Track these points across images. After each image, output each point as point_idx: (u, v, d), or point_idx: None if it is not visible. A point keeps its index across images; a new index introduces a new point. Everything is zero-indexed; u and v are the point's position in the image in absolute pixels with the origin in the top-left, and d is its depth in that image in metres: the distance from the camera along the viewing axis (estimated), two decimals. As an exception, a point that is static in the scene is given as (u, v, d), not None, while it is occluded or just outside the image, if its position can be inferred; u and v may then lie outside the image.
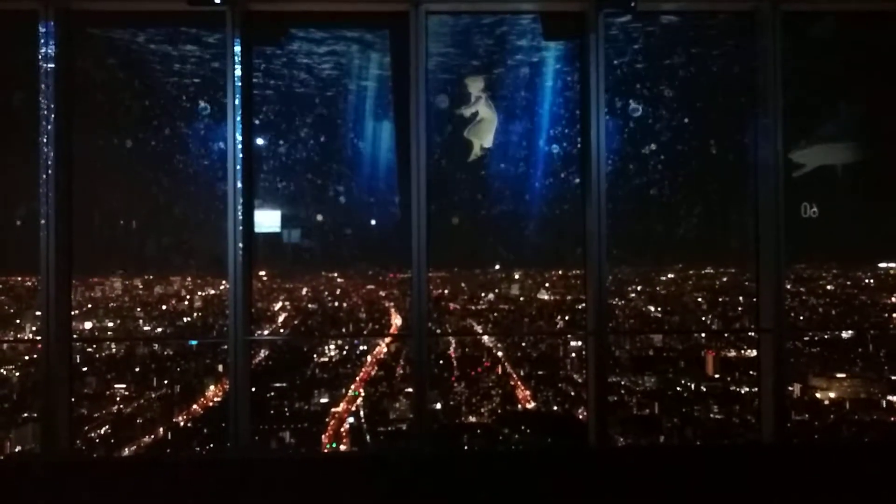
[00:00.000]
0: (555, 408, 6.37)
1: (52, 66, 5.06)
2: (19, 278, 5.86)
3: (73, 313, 5.27)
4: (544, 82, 5.53)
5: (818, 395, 6.08)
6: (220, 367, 6.09)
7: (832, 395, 6.08)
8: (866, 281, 6.20)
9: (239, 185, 5.11)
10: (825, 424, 6.00)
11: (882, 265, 6.09)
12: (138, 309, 6.03)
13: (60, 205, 5.07)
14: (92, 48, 5.33)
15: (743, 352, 6.23)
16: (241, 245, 5.10)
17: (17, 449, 5.59)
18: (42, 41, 5.04)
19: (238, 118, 5.12)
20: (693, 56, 5.51)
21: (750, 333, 5.94)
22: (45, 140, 5.04)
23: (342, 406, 6.33)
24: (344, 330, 6.36)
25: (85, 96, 5.30)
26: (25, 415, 5.68)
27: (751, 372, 5.97)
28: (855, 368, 6.10)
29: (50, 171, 5.03)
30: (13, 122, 5.28)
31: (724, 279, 6.23)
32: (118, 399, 5.94)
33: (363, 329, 6.36)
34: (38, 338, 5.15)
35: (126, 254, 5.61)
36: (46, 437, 5.03)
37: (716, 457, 5.31)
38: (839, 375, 6.10)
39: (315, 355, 6.47)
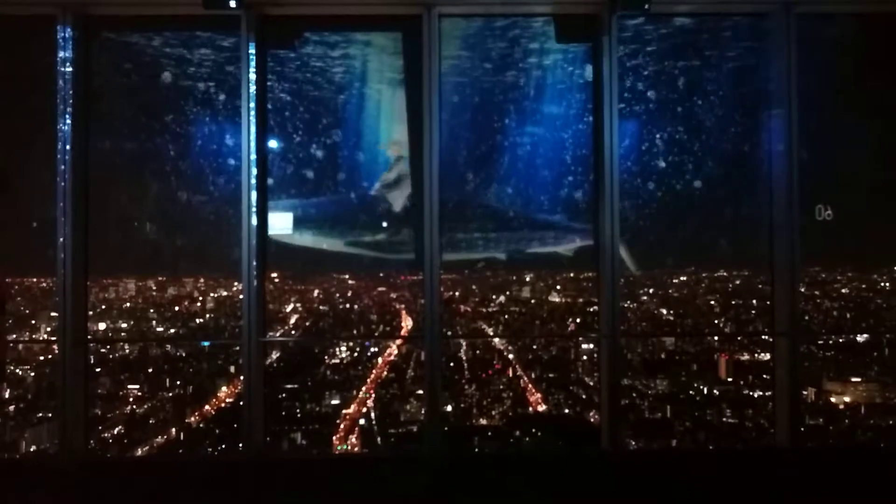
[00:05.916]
0: (566, 411, 6.34)
1: (69, 69, 5.13)
2: (35, 280, 5.91)
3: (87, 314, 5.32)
4: (560, 83, 5.53)
5: (833, 400, 6.02)
6: (233, 368, 6.11)
7: (847, 399, 6.01)
8: (882, 284, 6.13)
9: (253, 187, 5.15)
10: (840, 429, 5.93)
11: (898, 268, 6.04)
12: (152, 310, 6.07)
13: (76, 207, 5.12)
14: (108, 52, 5.39)
15: (757, 355, 6.17)
16: (254, 247, 5.13)
17: (32, 448, 5.64)
18: (59, 45, 5.11)
19: (252, 121, 5.16)
20: (706, 58, 5.50)
21: (764, 337, 5.89)
22: (61, 143, 5.10)
23: (353, 408, 6.33)
24: (355, 332, 6.37)
25: (101, 99, 5.36)
26: (40, 415, 5.73)
27: (765, 375, 5.92)
28: (870, 372, 6.03)
29: (66, 174, 5.09)
30: (30, 124, 5.34)
31: (738, 282, 6.18)
32: (132, 399, 5.97)
33: (374, 331, 6.36)
34: (54, 339, 5.22)
35: (140, 255, 5.65)
36: (61, 436, 5.08)
37: (729, 461, 5.29)
38: (854, 379, 6.04)
39: (326, 357, 6.48)
